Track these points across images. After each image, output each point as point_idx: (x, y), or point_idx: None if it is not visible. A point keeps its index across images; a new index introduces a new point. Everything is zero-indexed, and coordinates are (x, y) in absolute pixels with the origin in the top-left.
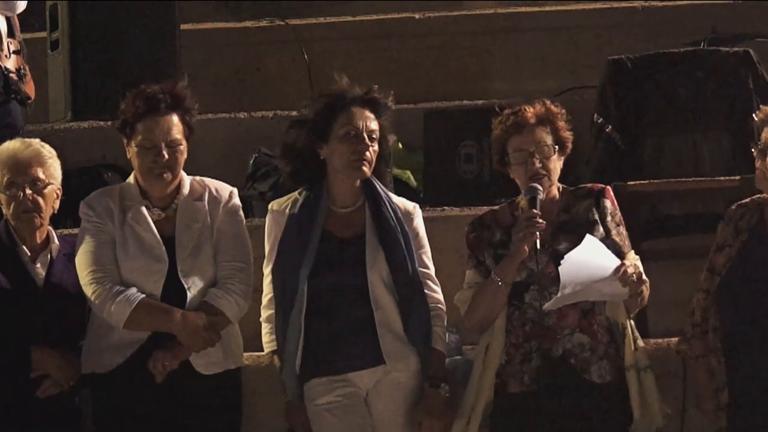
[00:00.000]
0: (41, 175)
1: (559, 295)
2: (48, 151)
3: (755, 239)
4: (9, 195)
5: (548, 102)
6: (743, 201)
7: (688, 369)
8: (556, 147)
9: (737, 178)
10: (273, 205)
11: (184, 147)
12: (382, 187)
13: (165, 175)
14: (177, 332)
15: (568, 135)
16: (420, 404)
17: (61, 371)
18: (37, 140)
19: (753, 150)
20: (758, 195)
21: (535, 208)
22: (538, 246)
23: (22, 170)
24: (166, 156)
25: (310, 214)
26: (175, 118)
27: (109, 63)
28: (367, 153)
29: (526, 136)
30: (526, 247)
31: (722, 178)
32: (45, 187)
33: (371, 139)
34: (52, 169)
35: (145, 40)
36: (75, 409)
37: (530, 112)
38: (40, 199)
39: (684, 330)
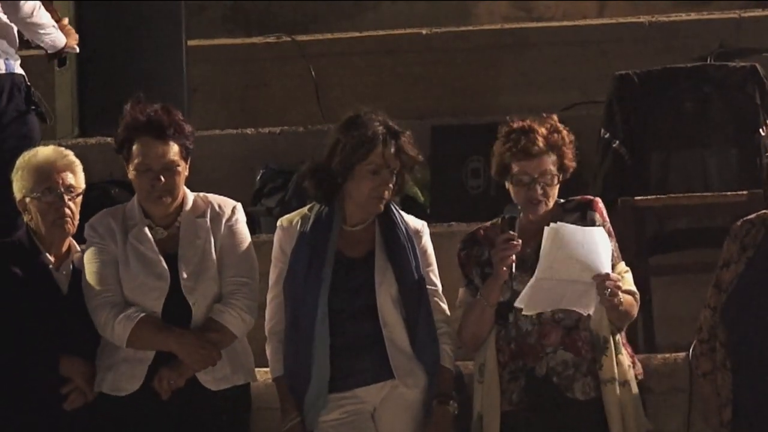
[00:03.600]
0: (74, 183)
1: (537, 272)
2: (77, 160)
3: (761, 255)
4: (45, 201)
5: (559, 125)
6: (748, 217)
7: (694, 384)
8: (560, 175)
9: (744, 192)
10: (282, 221)
11: (182, 168)
12: (395, 205)
13: (164, 199)
14: (176, 351)
15: (572, 164)
16: (429, 421)
17: (89, 382)
18: (64, 149)
19: (766, 164)
20: (763, 211)
21: (513, 230)
22: (514, 269)
23: (60, 177)
24: (163, 180)
25: (323, 234)
26: (171, 142)
27: (116, 79)
28: (387, 192)
29: (532, 162)
30: (505, 268)
31: (729, 193)
32: (78, 195)
33: (392, 176)
34: (81, 179)
35: (152, 56)
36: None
37: (541, 137)
38: (73, 207)
39: (692, 347)
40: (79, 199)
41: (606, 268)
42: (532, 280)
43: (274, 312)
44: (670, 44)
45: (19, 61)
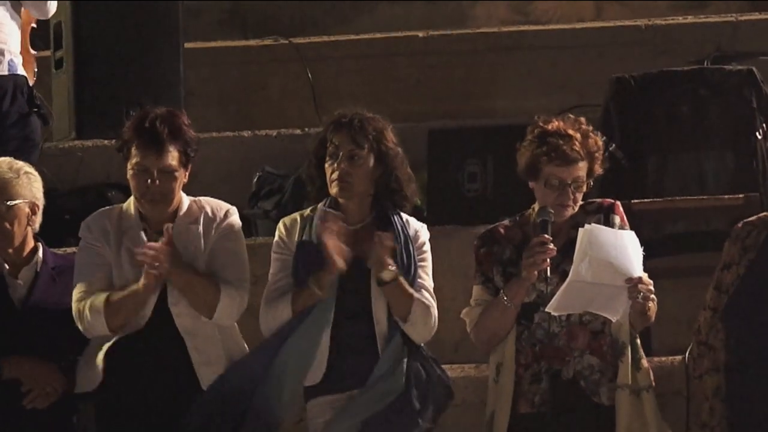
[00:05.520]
0: (3, 196)
1: (570, 275)
2: (14, 171)
3: (763, 257)
4: None
5: (589, 129)
6: (750, 219)
7: (692, 387)
8: (589, 182)
9: (741, 196)
10: (285, 220)
11: (179, 174)
12: (393, 206)
13: (157, 203)
14: (145, 285)
15: (600, 170)
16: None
17: (37, 379)
18: (6, 159)
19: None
20: (765, 213)
21: (546, 233)
22: (549, 273)
23: None
24: (159, 182)
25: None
26: (171, 147)
27: (113, 82)
28: (343, 174)
29: (568, 168)
30: (535, 272)
31: (726, 196)
32: (8, 208)
33: (350, 159)
34: (18, 188)
35: (149, 59)
36: (71, 427)
37: (578, 143)
38: (13, 222)
39: (690, 349)
40: (17, 207)
41: (638, 271)
42: (565, 283)
43: (279, 295)
44: (666, 47)
45: (21, 62)
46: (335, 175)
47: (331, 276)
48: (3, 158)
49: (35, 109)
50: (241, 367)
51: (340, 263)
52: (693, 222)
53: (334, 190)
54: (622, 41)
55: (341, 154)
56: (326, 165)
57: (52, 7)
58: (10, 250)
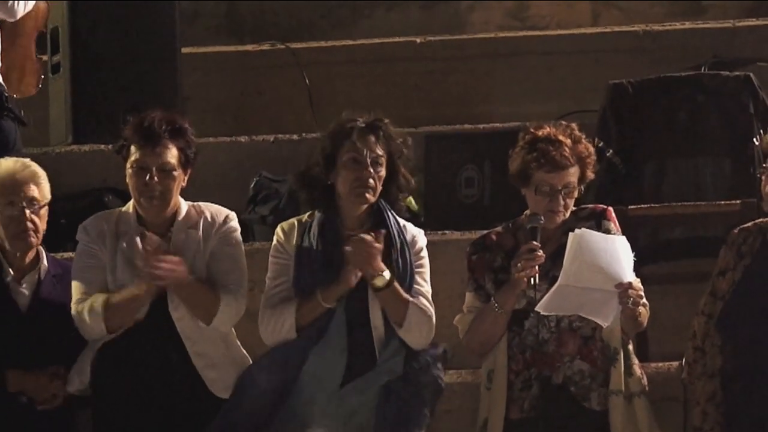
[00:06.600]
0: (37, 195)
1: (560, 278)
2: (41, 171)
3: (758, 263)
4: (6, 215)
5: (580, 135)
6: (745, 225)
7: (689, 393)
8: (580, 187)
9: (738, 202)
10: (283, 225)
11: (178, 173)
12: (391, 211)
13: (155, 200)
14: (146, 290)
15: (592, 175)
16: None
17: (41, 391)
18: (28, 160)
19: (759, 173)
20: (760, 219)
21: (536, 240)
22: (537, 280)
23: (20, 190)
24: (157, 179)
25: (334, 239)
26: (170, 145)
27: (109, 86)
28: (370, 179)
29: (558, 174)
30: (525, 279)
31: (723, 202)
32: (41, 207)
33: (375, 164)
34: (45, 190)
35: (146, 64)
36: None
37: (568, 149)
38: (37, 219)
39: (685, 354)
40: (44, 210)
41: (628, 276)
42: (555, 286)
43: (280, 300)
44: (664, 53)
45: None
46: (360, 182)
47: (344, 290)
48: (23, 158)
49: (6, 113)
50: (254, 385)
51: (354, 281)
52: (690, 228)
53: (352, 196)
54: (619, 47)
55: (368, 159)
56: (344, 170)
57: (20, 8)
58: (29, 253)
